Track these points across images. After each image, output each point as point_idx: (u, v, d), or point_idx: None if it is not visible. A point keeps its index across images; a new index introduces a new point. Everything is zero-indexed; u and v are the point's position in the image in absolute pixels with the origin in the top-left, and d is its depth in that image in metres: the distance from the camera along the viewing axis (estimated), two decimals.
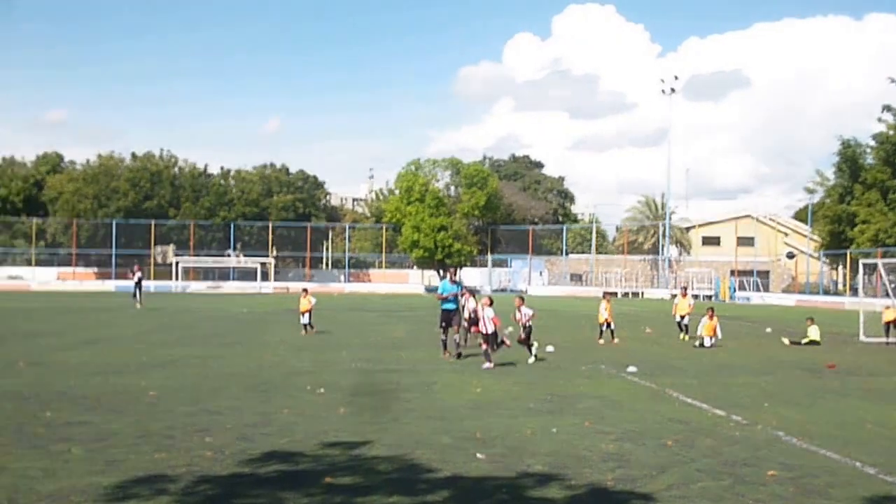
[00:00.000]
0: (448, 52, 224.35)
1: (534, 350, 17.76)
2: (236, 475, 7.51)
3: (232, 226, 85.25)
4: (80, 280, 78.76)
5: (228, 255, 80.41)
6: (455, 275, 19.17)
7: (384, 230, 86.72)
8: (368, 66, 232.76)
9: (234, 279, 79.91)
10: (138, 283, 40.89)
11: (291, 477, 7.53)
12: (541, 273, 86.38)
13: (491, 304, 16.99)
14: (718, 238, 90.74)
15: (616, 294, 69.04)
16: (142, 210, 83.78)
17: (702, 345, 21.83)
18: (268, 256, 79.28)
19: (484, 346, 16.80)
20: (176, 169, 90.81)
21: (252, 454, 8.29)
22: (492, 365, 16.21)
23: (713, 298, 65.80)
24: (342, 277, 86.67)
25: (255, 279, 75.59)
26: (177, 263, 75.43)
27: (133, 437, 9.03)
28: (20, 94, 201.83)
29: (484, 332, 16.86)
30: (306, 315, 24.10)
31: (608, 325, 22.80)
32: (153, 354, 17.81)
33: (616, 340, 22.51)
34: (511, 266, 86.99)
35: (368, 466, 7.95)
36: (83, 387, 12.86)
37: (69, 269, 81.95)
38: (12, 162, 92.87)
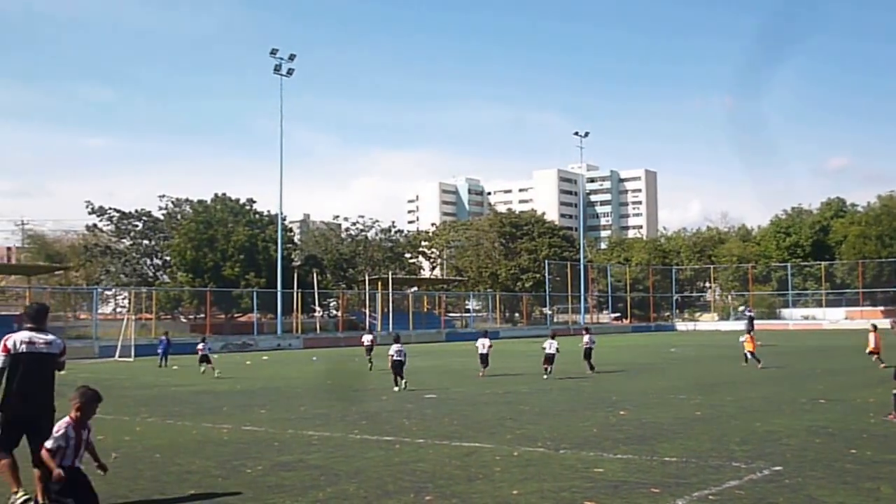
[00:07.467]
0: None
1: None
2: None
3: None
4: (867, 318, 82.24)
5: None
6: None
7: None
8: None
9: None
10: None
11: None
12: None
13: None
14: None
15: None
16: None
17: None
18: None
19: None
20: None
21: None
22: None
23: None
24: None
25: None
26: None
27: None
28: (803, 146, 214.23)
29: None
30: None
31: None
32: None
33: None
34: None
35: None
36: (882, 425, 13.34)
37: (856, 309, 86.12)
38: (800, 210, 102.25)
